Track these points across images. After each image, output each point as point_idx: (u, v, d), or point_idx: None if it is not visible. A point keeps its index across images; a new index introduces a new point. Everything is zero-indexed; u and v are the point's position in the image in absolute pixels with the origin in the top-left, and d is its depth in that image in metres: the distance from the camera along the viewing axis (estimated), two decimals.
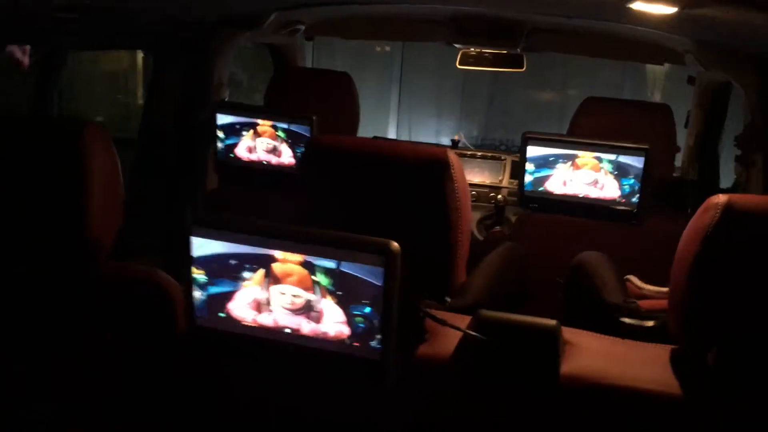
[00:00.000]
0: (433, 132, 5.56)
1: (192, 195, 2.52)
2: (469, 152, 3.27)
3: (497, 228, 2.88)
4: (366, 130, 3.26)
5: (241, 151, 2.35)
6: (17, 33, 1.79)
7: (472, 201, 3.08)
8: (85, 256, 1.24)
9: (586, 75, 5.26)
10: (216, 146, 2.36)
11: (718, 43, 2.17)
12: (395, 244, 1.01)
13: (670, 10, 1.61)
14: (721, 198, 1.04)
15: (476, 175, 3.19)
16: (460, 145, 3.41)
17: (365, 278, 1.04)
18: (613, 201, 2.05)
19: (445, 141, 3.46)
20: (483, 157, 3.23)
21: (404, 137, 5.44)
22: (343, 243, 1.04)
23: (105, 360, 1.24)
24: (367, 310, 1.06)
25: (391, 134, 5.54)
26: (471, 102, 5.60)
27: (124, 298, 1.25)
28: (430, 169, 1.17)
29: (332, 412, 1.22)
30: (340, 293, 1.06)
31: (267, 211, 1.25)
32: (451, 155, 1.17)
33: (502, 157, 3.21)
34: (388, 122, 5.67)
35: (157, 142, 2.48)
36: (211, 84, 2.52)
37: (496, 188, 3.12)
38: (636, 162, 2.01)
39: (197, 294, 1.13)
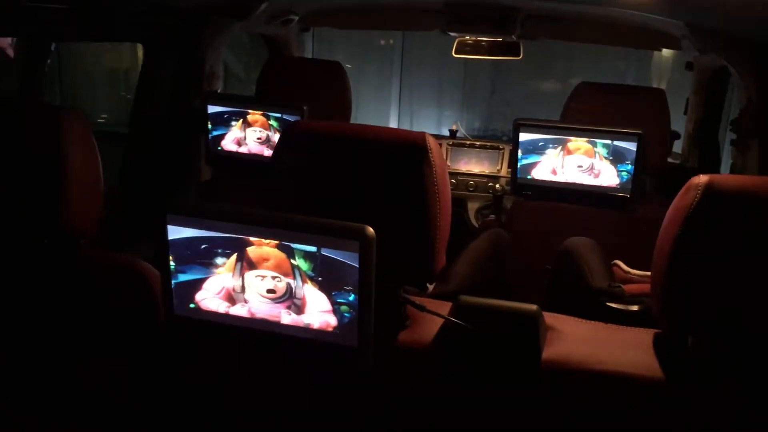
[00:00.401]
0: (434, 123, 5.53)
1: (184, 186, 2.51)
2: (467, 142, 3.24)
3: (491, 216, 2.86)
4: (368, 121, 3.23)
5: (229, 143, 2.33)
6: (1, 23, 1.78)
7: (471, 191, 3.07)
8: (63, 243, 1.24)
9: (589, 65, 5.21)
10: (207, 137, 2.35)
11: (712, 26, 2.14)
12: (370, 230, 1.00)
13: None
14: (702, 178, 1.03)
15: (474, 164, 3.16)
16: (458, 134, 3.38)
17: (347, 262, 1.01)
18: (609, 187, 2.02)
19: (446, 131, 3.43)
20: (482, 147, 3.20)
21: (405, 128, 5.41)
22: (317, 228, 1.03)
23: (86, 346, 1.24)
24: (352, 297, 1.04)
25: (393, 125, 5.53)
26: (472, 93, 5.57)
27: (104, 287, 1.25)
28: (408, 153, 1.15)
29: (312, 399, 1.21)
30: (321, 279, 1.04)
31: (257, 202, 1.24)
32: (430, 139, 1.15)
33: (500, 147, 3.17)
34: (389, 114, 5.65)
35: (149, 133, 2.47)
36: (203, 74, 2.51)
37: (495, 178, 3.10)
38: (631, 147, 1.98)
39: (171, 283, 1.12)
